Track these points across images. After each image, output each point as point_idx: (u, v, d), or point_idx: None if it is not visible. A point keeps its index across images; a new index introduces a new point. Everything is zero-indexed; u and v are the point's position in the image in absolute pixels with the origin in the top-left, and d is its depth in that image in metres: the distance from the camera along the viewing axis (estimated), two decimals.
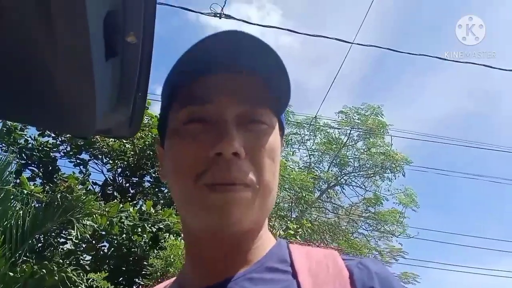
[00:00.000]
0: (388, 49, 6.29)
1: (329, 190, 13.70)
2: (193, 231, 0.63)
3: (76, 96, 0.81)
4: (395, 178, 13.07)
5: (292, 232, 8.93)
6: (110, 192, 11.44)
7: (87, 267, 8.16)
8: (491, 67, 5.92)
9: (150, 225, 8.29)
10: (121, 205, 8.39)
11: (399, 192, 13.01)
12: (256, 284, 0.58)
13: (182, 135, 0.61)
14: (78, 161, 11.09)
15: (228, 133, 0.57)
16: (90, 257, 8.89)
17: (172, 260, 6.74)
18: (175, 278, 0.73)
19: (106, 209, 7.79)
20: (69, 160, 11.05)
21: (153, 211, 8.56)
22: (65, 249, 8.65)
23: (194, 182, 0.58)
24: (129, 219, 8.11)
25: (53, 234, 8.08)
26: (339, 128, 13.46)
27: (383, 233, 12.74)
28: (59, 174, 10.34)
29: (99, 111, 0.84)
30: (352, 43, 6.25)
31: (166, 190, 12.10)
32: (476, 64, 5.92)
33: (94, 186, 11.06)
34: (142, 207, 8.89)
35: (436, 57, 6.22)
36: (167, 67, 0.63)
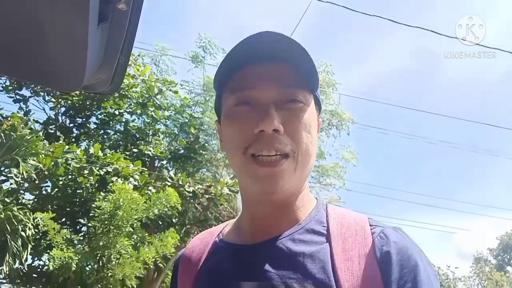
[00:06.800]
0: (344, 7, 6.40)
1: None
2: (247, 194, 0.77)
3: (69, 56, 0.87)
4: (340, 136, 13.72)
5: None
6: (52, 131, 10.99)
7: (29, 206, 8.00)
8: (435, 32, 6.29)
9: (98, 168, 8.21)
10: (67, 146, 8.14)
11: (343, 148, 13.73)
12: (297, 244, 0.69)
13: (232, 116, 0.73)
14: (18, 97, 10.45)
15: (268, 113, 0.68)
16: (33, 197, 8.70)
17: (121, 203, 6.79)
18: (225, 225, 0.86)
19: (51, 149, 7.53)
20: (8, 95, 10.40)
21: (101, 154, 8.42)
22: (5, 187, 8.36)
23: (243, 154, 0.71)
24: (75, 160, 7.92)
25: None
26: None
27: (325, 185, 13.48)
28: None
29: (86, 70, 0.91)
30: None
31: (112, 133, 11.80)
32: (423, 28, 6.25)
33: (35, 125, 10.55)
34: (90, 150, 8.68)
35: (388, 19, 6.47)
36: None
